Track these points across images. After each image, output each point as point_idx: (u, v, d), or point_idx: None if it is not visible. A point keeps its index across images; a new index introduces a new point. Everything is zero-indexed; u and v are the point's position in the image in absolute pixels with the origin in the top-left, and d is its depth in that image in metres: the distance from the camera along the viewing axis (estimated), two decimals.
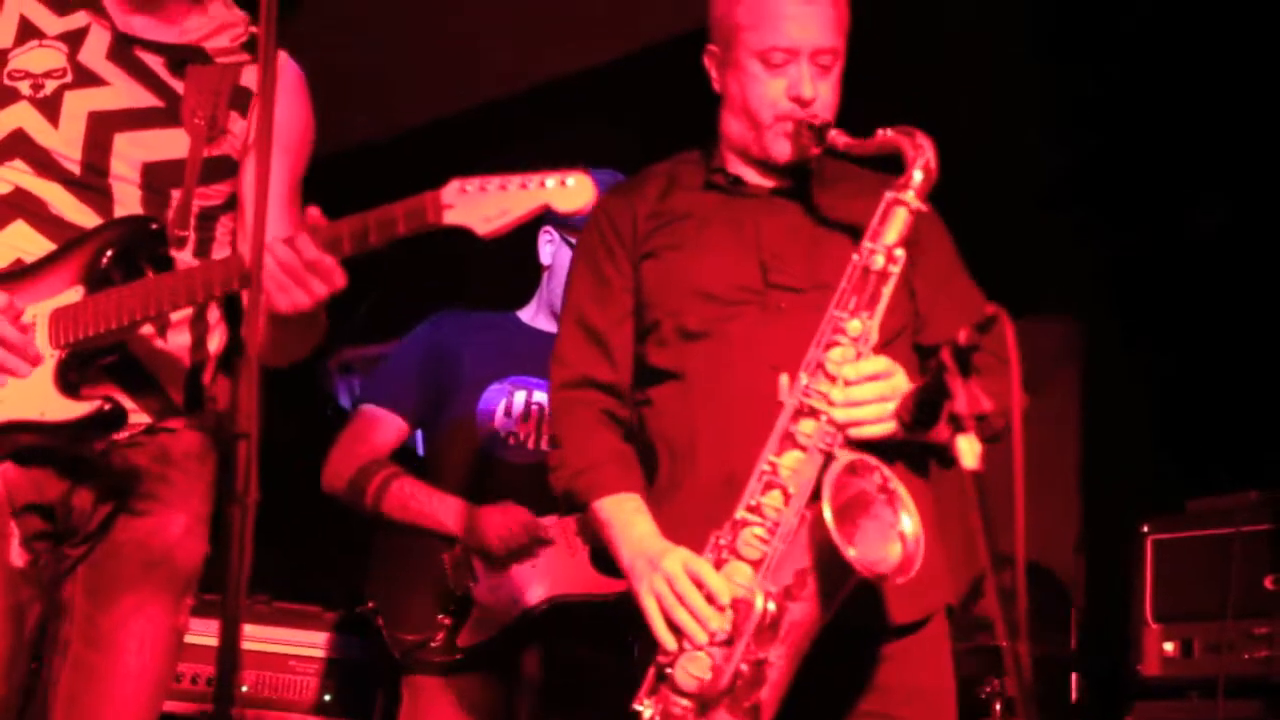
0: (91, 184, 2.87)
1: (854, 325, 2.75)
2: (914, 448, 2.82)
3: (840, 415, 2.71)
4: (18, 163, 2.88)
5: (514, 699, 3.81)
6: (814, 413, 2.72)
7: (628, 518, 2.88)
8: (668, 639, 2.72)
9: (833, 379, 2.72)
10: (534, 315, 4.11)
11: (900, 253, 2.76)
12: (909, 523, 2.67)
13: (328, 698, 4.63)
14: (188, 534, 2.95)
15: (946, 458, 2.79)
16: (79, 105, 2.88)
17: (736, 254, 2.94)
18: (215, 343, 3.00)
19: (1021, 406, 2.94)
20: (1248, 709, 4.05)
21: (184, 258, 2.90)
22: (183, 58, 2.95)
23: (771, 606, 2.67)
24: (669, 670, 2.72)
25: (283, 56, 2.99)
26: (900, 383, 2.71)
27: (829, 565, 2.64)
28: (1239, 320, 4.87)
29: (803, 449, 2.72)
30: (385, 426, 4.01)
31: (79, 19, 2.94)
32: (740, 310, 2.90)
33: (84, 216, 2.86)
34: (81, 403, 2.78)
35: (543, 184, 2.57)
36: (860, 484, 2.68)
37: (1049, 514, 5.04)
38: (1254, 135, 4.77)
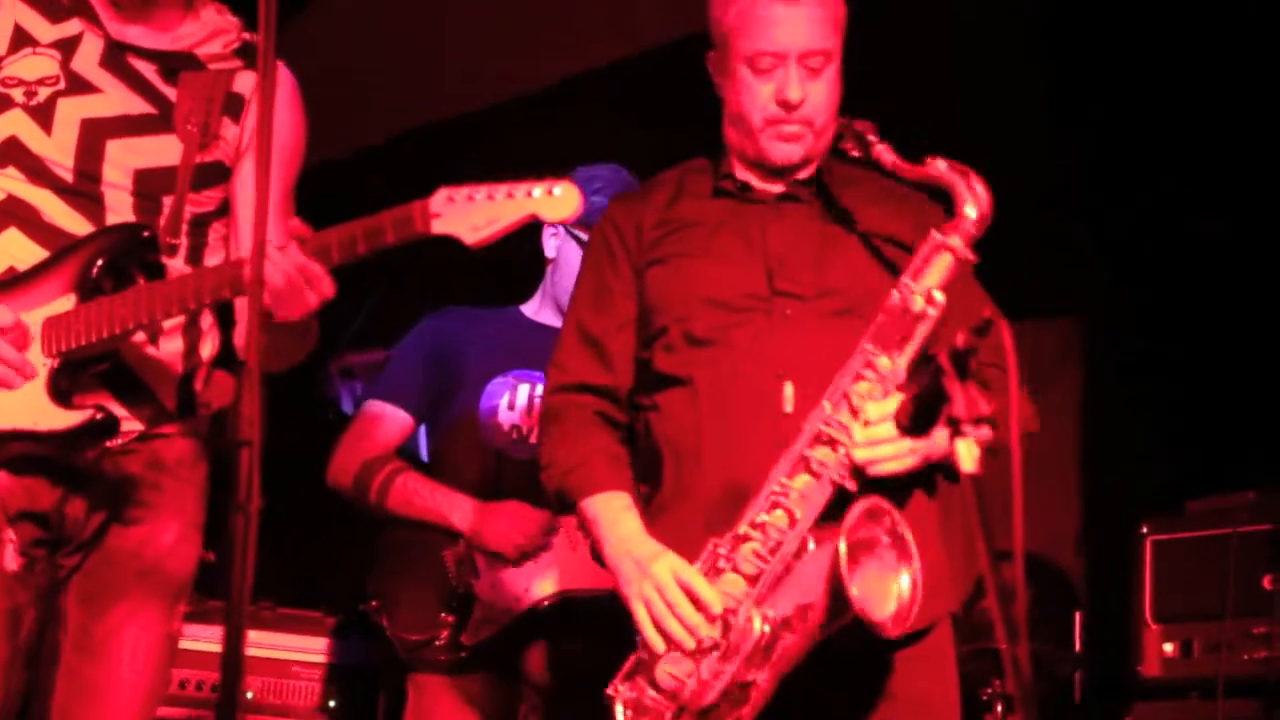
0: (84, 191, 2.88)
1: (883, 362, 2.74)
2: (922, 465, 2.82)
3: (860, 455, 2.72)
4: (11, 170, 2.89)
5: (518, 696, 3.83)
6: (833, 443, 2.73)
7: (614, 515, 2.90)
8: (656, 642, 2.76)
9: (855, 413, 2.73)
10: (538, 309, 4.11)
11: (940, 296, 2.73)
12: (907, 580, 2.68)
13: (331, 703, 4.64)
14: (181, 541, 2.96)
15: (953, 473, 2.82)
16: (72, 112, 2.89)
17: (743, 261, 2.95)
18: (208, 349, 3.01)
19: (1028, 415, 2.97)
20: (1247, 709, 4.06)
21: (176, 265, 2.91)
22: (175, 64, 2.96)
23: (768, 629, 2.69)
24: (648, 663, 2.76)
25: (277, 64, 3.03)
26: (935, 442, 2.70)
27: (833, 607, 2.65)
28: (1238, 322, 4.87)
29: (815, 475, 2.73)
30: (389, 422, 4.02)
31: (72, 26, 2.95)
32: (747, 318, 2.91)
33: (76, 224, 2.87)
34: (73, 412, 2.79)
35: (530, 193, 2.58)
36: (873, 528, 2.69)
37: (1050, 515, 5.05)
38: (1255, 136, 4.77)
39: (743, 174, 3.02)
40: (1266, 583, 4.13)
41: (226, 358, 3.04)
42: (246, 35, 3.02)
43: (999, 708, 4.32)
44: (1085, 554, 5.09)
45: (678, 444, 2.93)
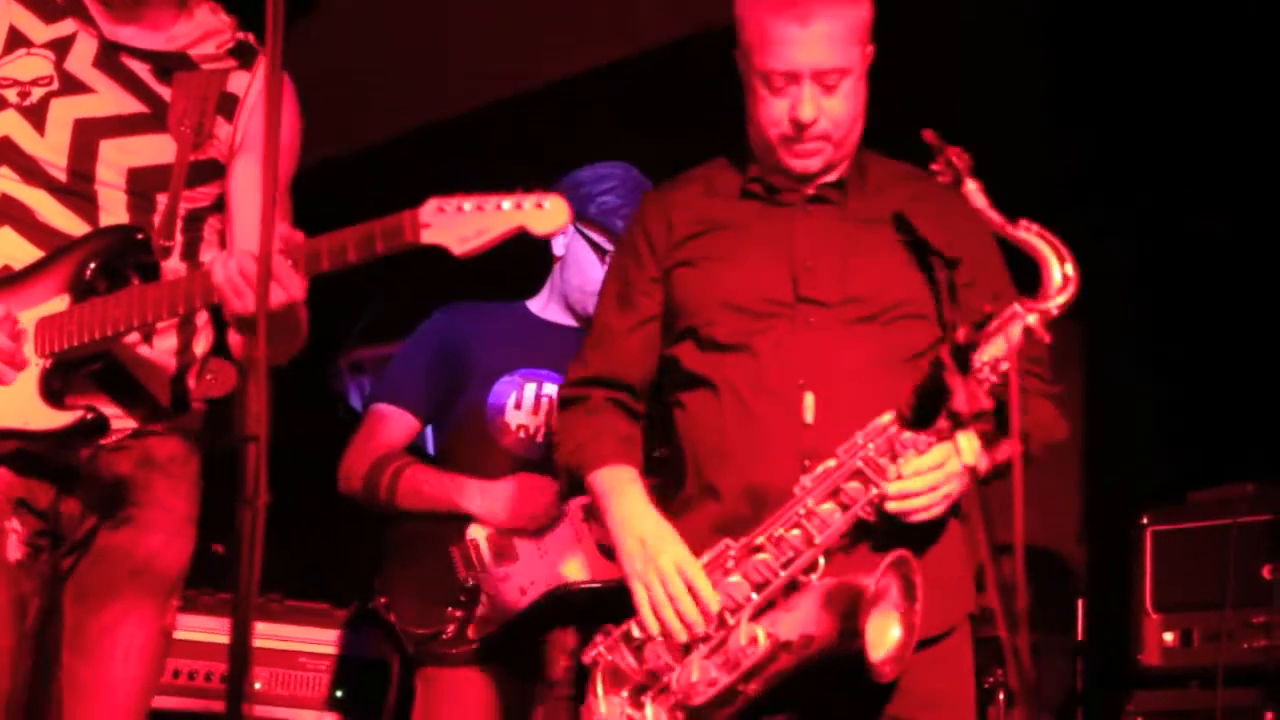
0: (78, 191, 2.90)
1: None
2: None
3: (893, 505, 2.74)
4: (4, 170, 2.91)
5: (527, 689, 3.84)
6: (866, 482, 2.74)
7: (621, 487, 2.92)
8: (651, 625, 2.80)
9: (894, 460, 2.73)
10: (544, 306, 4.11)
11: (1005, 366, 2.67)
12: (905, 625, 2.71)
13: (339, 694, 4.67)
14: (173, 537, 2.99)
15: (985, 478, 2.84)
16: (65, 113, 2.91)
17: (770, 265, 2.94)
18: (202, 345, 3.03)
19: (1052, 422, 2.98)
20: (1247, 697, 4.07)
21: (171, 263, 2.93)
22: (169, 64, 2.97)
23: (772, 646, 2.72)
24: (637, 639, 2.80)
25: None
26: (954, 468, 2.72)
27: (839, 645, 2.69)
28: (1238, 317, 4.87)
29: (842, 506, 2.75)
30: (396, 424, 4.02)
31: (66, 26, 2.96)
32: (770, 324, 2.91)
33: (71, 223, 2.89)
34: (64, 412, 2.81)
35: (519, 205, 2.59)
36: (892, 576, 2.71)
37: (1052, 506, 5.06)
38: (1256, 135, 4.77)
39: (770, 174, 3.00)
40: (1266, 573, 4.14)
41: (219, 351, 3.06)
42: (240, 35, 3.04)
43: (1001, 697, 4.34)
44: (1087, 545, 5.10)
45: (701, 444, 2.95)
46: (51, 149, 2.90)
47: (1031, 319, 2.68)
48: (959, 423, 2.58)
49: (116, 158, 2.91)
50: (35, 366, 2.81)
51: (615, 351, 3.07)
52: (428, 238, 2.61)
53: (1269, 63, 4.65)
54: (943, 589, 2.82)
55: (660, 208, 3.08)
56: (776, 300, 2.91)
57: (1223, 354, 4.88)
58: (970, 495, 2.65)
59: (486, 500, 3.81)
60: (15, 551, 2.86)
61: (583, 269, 3.99)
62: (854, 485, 2.74)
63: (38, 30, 2.96)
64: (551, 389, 3.96)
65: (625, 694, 2.80)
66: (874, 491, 2.73)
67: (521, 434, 3.94)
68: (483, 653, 3.77)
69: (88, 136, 2.91)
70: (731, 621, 2.74)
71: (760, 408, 2.88)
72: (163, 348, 2.96)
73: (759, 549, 2.76)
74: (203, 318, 3.02)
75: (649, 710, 2.77)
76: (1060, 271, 2.68)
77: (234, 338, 2.92)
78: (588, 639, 3.81)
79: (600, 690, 2.82)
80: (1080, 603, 4.86)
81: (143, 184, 2.92)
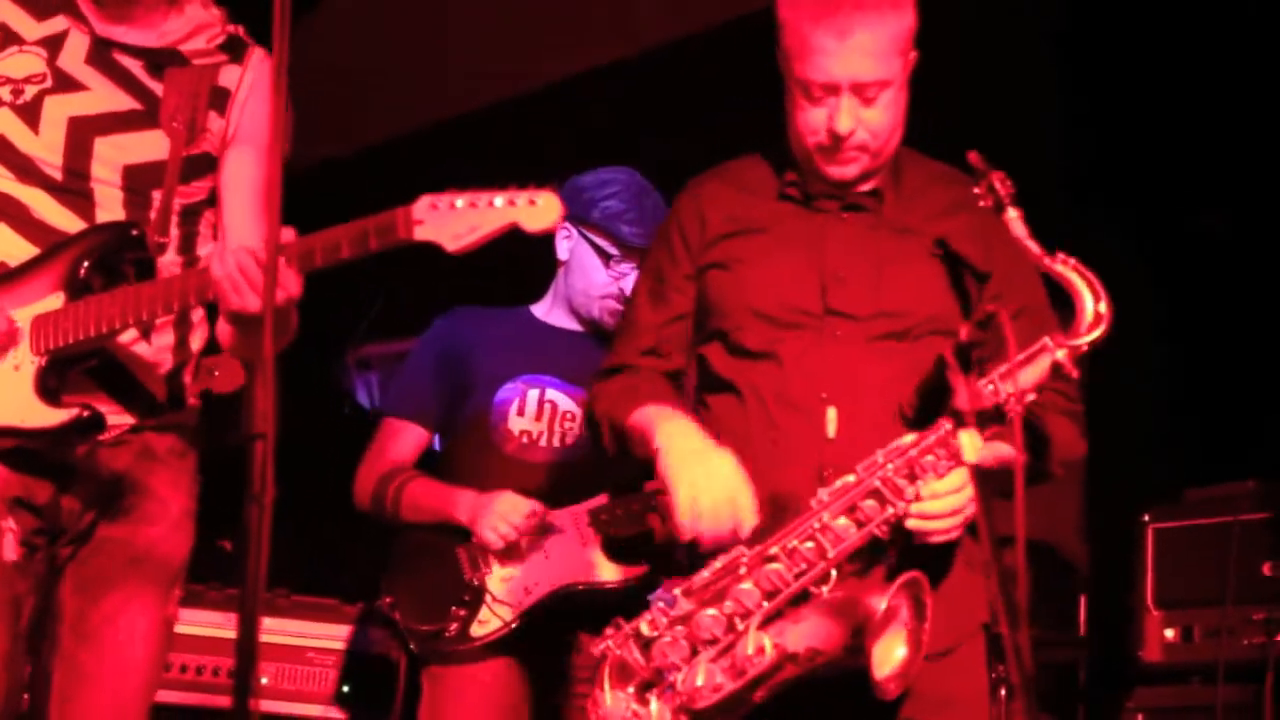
0: (73, 188, 2.91)
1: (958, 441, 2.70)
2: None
3: (913, 524, 2.72)
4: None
5: (530, 688, 3.86)
6: (884, 501, 2.73)
7: (667, 415, 2.87)
8: (686, 527, 2.75)
9: (913, 481, 2.72)
10: (548, 310, 4.12)
11: (1032, 397, 2.67)
12: (912, 644, 2.71)
13: (346, 689, 4.70)
14: (174, 528, 3.00)
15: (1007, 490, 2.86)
16: (59, 110, 2.91)
17: (800, 274, 2.91)
18: (198, 341, 3.04)
19: (1074, 440, 2.98)
20: (1247, 693, 4.09)
21: (167, 259, 2.94)
22: (161, 60, 2.97)
23: (778, 656, 2.72)
24: (647, 637, 2.80)
25: (259, 55, 3.04)
26: (973, 492, 2.69)
27: (844, 660, 2.69)
28: (1238, 314, 4.88)
29: (858, 523, 2.73)
30: (405, 437, 4.05)
31: (58, 23, 2.96)
32: (797, 334, 2.89)
33: (67, 220, 2.89)
34: (60, 410, 2.81)
35: (512, 202, 2.60)
36: (904, 596, 2.71)
37: (1054, 504, 5.07)
38: (1256, 133, 4.77)
39: (807, 180, 2.97)
40: (1266, 570, 4.16)
41: (215, 348, 3.07)
42: (230, 28, 3.04)
43: (1002, 692, 4.35)
44: (1089, 542, 5.11)
45: (726, 447, 2.92)
46: (46, 147, 2.91)
47: (1061, 355, 2.67)
48: (961, 421, 2.60)
49: (112, 155, 2.92)
50: (31, 364, 2.82)
51: (649, 340, 3.05)
52: (421, 234, 2.62)
53: (1267, 61, 4.66)
54: (955, 603, 2.82)
55: (695, 204, 3.04)
56: (804, 310, 2.89)
57: (1224, 352, 4.88)
58: (973, 494, 2.66)
59: (471, 512, 3.83)
60: (10, 551, 2.87)
61: (587, 273, 4.01)
62: (871, 504, 2.73)
63: (29, 27, 2.96)
64: (554, 395, 3.98)
65: (631, 690, 2.81)
66: (890, 511, 2.72)
67: (524, 440, 3.96)
68: (487, 650, 3.80)
69: (82, 134, 2.91)
70: (740, 627, 2.74)
71: (783, 419, 2.87)
72: (159, 344, 2.97)
73: (773, 558, 2.74)
74: (198, 314, 3.03)
75: (654, 707, 2.78)
76: (1094, 309, 2.67)
77: (223, 332, 2.92)
78: (593, 638, 3.86)
79: (607, 684, 2.83)
80: (1082, 599, 4.87)
81: (138, 181, 2.93)
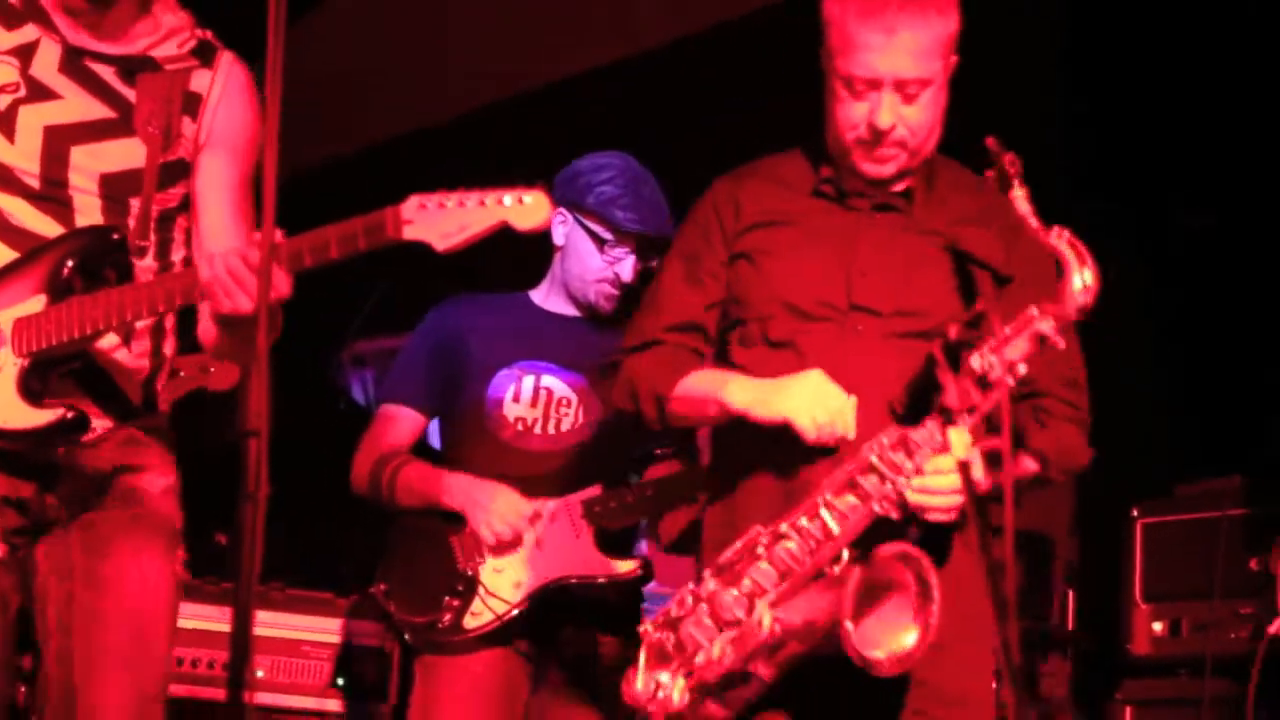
0: (52, 196, 2.89)
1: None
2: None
3: (912, 498, 2.75)
4: None
5: (523, 679, 3.86)
6: (883, 478, 2.76)
7: (721, 374, 2.96)
8: (814, 440, 2.81)
9: (911, 456, 2.75)
10: (546, 296, 4.11)
11: (1023, 368, 2.69)
12: (918, 631, 2.73)
13: (341, 681, 4.72)
14: (167, 496, 2.98)
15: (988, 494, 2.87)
16: (34, 120, 2.90)
17: (827, 268, 2.95)
18: (169, 347, 3.03)
19: (1078, 448, 3.01)
20: (1233, 686, 4.11)
21: (146, 264, 2.94)
22: (133, 67, 2.96)
23: (778, 629, 2.76)
24: (678, 619, 2.84)
25: (229, 59, 3.04)
26: (975, 473, 2.68)
27: (833, 632, 2.72)
28: (1227, 312, 4.89)
29: (860, 499, 2.77)
30: (402, 422, 4.05)
31: (29, 32, 2.94)
32: (821, 327, 2.93)
33: (46, 226, 2.88)
34: (44, 411, 2.81)
35: (500, 201, 2.60)
36: (902, 569, 2.74)
37: (1045, 498, 5.10)
38: (1244, 131, 4.79)
39: (842, 177, 3.01)
40: (1253, 564, 4.19)
41: (189, 348, 3.09)
42: (199, 33, 3.03)
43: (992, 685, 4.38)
44: (1079, 536, 5.13)
45: (746, 436, 2.95)
46: (23, 155, 2.90)
47: (1046, 325, 2.70)
48: (950, 418, 2.63)
49: (88, 164, 2.91)
50: (14, 366, 2.81)
51: (677, 317, 3.09)
52: (410, 234, 2.62)
53: (1259, 61, 4.68)
54: (971, 595, 2.81)
55: (731, 192, 3.09)
56: (829, 304, 2.93)
57: (1213, 349, 4.90)
58: (963, 491, 2.67)
59: (462, 501, 3.83)
60: None
61: (582, 258, 4.02)
62: (871, 480, 2.76)
63: (1, 37, 2.95)
64: (550, 381, 3.99)
65: (662, 672, 2.84)
66: (889, 487, 2.75)
67: (519, 426, 3.96)
68: (479, 641, 3.80)
69: (58, 143, 2.90)
70: (754, 613, 2.78)
71: None
72: (138, 350, 2.97)
73: (784, 536, 2.79)
74: (170, 321, 3.03)
75: (674, 686, 2.82)
76: (1080, 278, 2.69)
77: (206, 333, 2.92)
78: (585, 630, 3.89)
79: (642, 664, 2.86)
80: (1070, 593, 4.89)
81: (116, 189, 2.93)
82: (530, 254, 4.10)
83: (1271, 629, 4.02)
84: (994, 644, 2.94)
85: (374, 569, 3.96)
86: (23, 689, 3.29)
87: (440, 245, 2.62)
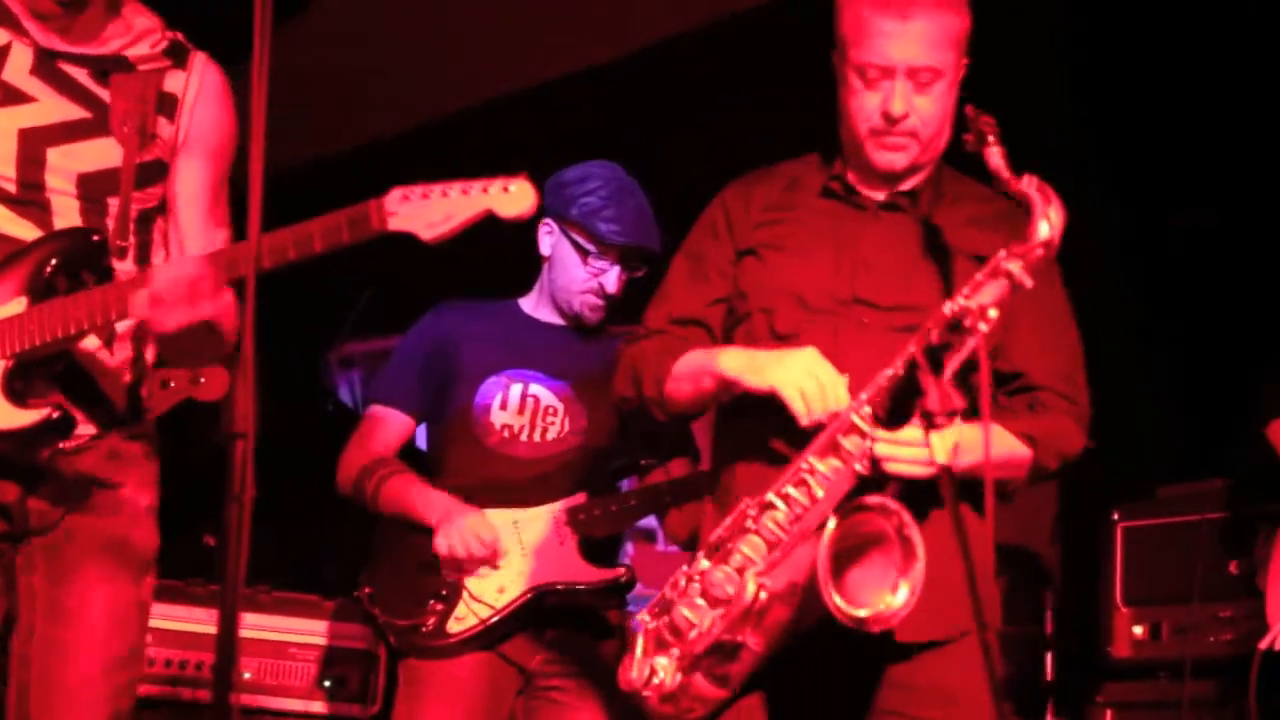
0: (29, 200, 2.89)
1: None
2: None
3: (882, 450, 2.76)
4: None
5: (507, 681, 3.88)
6: (861, 434, 2.78)
7: (718, 349, 2.99)
8: (803, 415, 2.81)
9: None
10: (535, 305, 4.13)
11: (994, 314, 2.71)
12: (906, 587, 2.73)
13: (327, 683, 4.74)
14: (142, 520, 2.98)
15: (1006, 494, 2.90)
16: (8, 123, 2.89)
17: (831, 263, 2.98)
18: (151, 353, 3.03)
19: (1073, 435, 3.03)
20: (1213, 689, 4.14)
21: (125, 265, 2.94)
22: (106, 67, 2.96)
23: (764, 596, 2.78)
24: (671, 601, 2.86)
25: (202, 59, 3.04)
26: (949, 432, 2.69)
27: (813, 590, 2.74)
28: (1211, 315, 4.90)
29: (842, 460, 2.79)
30: (390, 425, 4.07)
31: (0, 37, 2.94)
32: (825, 319, 2.95)
33: (24, 230, 2.88)
34: (29, 411, 2.80)
35: (485, 189, 2.61)
36: (883, 524, 2.75)
37: (1026, 502, 5.11)
38: (1244, 130, 4.80)
39: (851, 176, 3.04)
40: (1233, 568, 4.20)
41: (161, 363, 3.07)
42: (170, 34, 3.03)
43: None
44: (1060, 539, 5.14)
45: (748, 427, 2.98)
46: None
47: (1015, 266, 2.73)
48: (931, 422, 2.65)
49: (65, 165, 2.91)
50: None
51: (681, 310, 3.11)
52: (395, 225, 2.63)
53: (1257, 59, 4.68)
54: (958, 600, 2.79)
55: (743, 192, 3.13)
56: (834, 296, 2.96)
57: (1195, 352, 4.91)
58: (945, 496, 2.68)
59: (439, 523, 3.84)
60: None
61: (567, 269, 4.03)
62: (853, 440, 2.78)
63: None
64: (538, 389, 4.01)
65: (659, 657, 2.86)
66: (868, 442, 2.77)
67: (506, 433, 3.98)
68: (463, 645, 3.81)
69: (34, 146, 2.90)
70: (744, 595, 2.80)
71: None
72: (121, 356, 2.98)
73: (771, 506, 2.81)
74: None
75: (667, 668, 2.84)
76: (1046, 220, 2.73)
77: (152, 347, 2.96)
78: (568, 635, 3.90)
79: (639, 651, 2.88)
80: (1049, 595, 4.91)
81: (94, 189, 2.93)
82: (515, 263, 4.13)
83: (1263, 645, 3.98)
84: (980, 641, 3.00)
85: (360, 572, 3.98)
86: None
87: (426, 235, 2.63)
